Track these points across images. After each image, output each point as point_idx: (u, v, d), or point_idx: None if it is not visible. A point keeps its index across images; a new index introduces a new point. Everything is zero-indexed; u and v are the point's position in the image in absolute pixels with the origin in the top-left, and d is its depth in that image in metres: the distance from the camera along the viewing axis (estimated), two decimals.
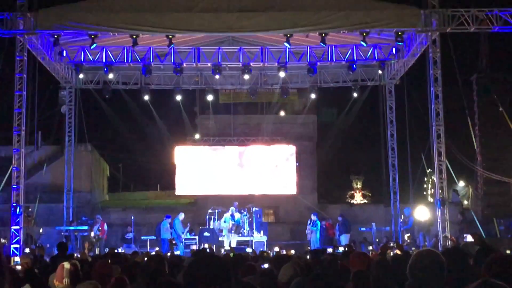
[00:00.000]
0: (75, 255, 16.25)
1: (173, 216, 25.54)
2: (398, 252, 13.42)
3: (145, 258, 12.02)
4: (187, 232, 24.96)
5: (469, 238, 20.10)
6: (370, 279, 6.06)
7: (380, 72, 26.47)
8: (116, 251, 20.60)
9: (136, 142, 31.08)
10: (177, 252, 21.87)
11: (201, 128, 31.67)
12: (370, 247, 21.95)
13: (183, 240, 24.35)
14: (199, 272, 3.25)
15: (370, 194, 34.79)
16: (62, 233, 25.19)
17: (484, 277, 3.56)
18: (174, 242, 24.40)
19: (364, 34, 21.94)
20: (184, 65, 25.16)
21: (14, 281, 4.85)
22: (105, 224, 25.94)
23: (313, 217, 26.03)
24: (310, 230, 25.48)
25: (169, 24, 21.24)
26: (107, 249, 22.44)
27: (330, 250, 18.55)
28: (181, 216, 25.30)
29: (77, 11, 21.34)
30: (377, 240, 24.96)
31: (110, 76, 25.82)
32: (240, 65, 25.17)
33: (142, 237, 25.74)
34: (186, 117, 29.97)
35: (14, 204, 21.14)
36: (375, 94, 27.97)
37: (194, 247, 22.26)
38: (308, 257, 13.74)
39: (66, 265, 7.46)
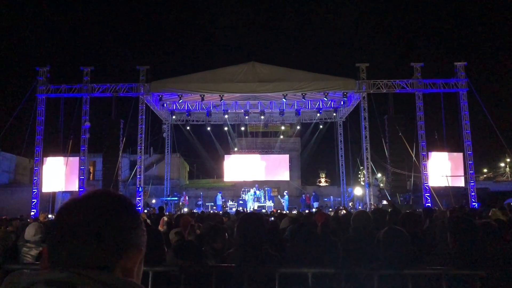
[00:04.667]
0: (168, 213, 16.24)
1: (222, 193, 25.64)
2: (345, 212, 13.27)
3: (208, 214, 12.00)
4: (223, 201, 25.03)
5: (384, 202, 19.97)
6: (329, 227, 6.00)
7: (334, 114, 26.39)
8: (192, 211, 20.52)
9: (203, 152, 31.03)
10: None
11: (238, 145, 31.58)
12: (330, 209, 21.72)
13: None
14: (250, 217, 3.35)
15: (329, 180, 34.46)
16: (163, 201, 25.21)
17: (389, 225, 3.50)
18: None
19: (326, 93, 21.89)
20: (229, 111, 25.24)
21: None
22: (187, 197, 26.00)
23: (285, 193, 25.95)
24: (282, 200, 25.38)
25: (220, 89, 21.31)
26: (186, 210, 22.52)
27: (307, 211, 18.38)
28: (219, 195, 25.35)
29: (171, 82, 21.48)
30: (333, 205, 24.79)
31: (189, 117, 25.93)
32: (259, 111, 25.20)
33: (206, 203, 25.72)
34: (230, 138, 30.00)
35: (138, 186, 21.27)
36: (331, 127, 27.82)
37: (234, 209, 22.18)
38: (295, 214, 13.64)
39: (165, 218, 7.46)
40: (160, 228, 7.11)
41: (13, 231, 7.90)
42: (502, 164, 43.92)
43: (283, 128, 29.51)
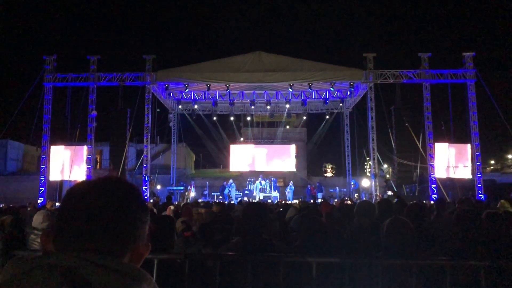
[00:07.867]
0: (176, 203, 16.29)
1: (227, 183, 25.54)
2: (349, 202, 13.26)
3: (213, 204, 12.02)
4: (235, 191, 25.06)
5: (389, 193, 19.95)
6: (334, 216, 6.00)
7: (341, 104, 26.26)
8: (198, 200, 20.62)
9: (209, 142, 30.72)
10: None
11: (244, 135, 31.47)
12: (335, 200, 21.68)
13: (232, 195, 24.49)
14: (254, 207, 3.31)
15: (335, 171, 34.40)
16: (169, 191, 25.29)
17: (394, 215, 3.49)
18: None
19: (332, 83, 21.76)
20: (235, 100, 25.17)
21: None
22: (193, 186, 26.06)
23: (290, 183, 25.89)
24: (287, 191, 25.29)
25: (227, 78, 21.25)
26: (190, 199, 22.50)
27: (312, 201, 18.39)
28: (233, 183, 25.31)
29: (178, 72, 21.45)
30: (339, 196, 24.75)
31: (195, 106, 25.87)
32: (265, 101, 25.08)
33: (212, 193, 25.78)
34: (236, 128, 29.88)
35: (144, 175, 21.37)
36: (338, 117, 27.64)
37: (239, 199, 22.21)
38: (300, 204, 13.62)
39: (171, 207, 7.50)
40: None
41: (21, 218, 7.98)
42: (510, 156, 43.66)
43: (289, 118, 29.39)
